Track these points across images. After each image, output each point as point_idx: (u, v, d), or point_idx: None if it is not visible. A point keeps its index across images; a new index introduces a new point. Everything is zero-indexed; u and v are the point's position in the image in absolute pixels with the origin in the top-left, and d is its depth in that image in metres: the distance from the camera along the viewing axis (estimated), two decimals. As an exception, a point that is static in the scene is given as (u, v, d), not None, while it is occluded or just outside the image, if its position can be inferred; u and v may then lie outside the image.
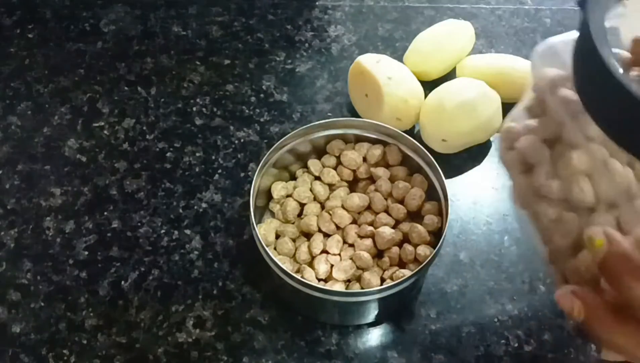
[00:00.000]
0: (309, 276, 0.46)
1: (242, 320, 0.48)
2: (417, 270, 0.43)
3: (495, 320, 0.48)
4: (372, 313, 0.47)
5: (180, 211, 0.54)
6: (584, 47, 0.25)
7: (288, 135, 0.49)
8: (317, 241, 0.47)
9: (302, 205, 0.49)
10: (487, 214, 0.54)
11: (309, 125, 0.49)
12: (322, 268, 0.46)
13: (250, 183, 0.55)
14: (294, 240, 0.48)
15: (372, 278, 0.45)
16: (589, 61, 0.25)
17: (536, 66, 0.30)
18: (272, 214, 0.50)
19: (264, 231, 0.47)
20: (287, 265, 0.46)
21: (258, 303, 0.49)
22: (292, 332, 0.47)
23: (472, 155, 0.57)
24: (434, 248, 0.45)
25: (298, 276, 0.43)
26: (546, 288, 0.50)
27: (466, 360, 0.46)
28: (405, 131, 0.57)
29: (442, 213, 0.47)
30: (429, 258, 0.43)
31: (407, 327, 0.48)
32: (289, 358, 0.46)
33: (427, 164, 0.49)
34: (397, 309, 0.48)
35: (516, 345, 0.47)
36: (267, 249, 0.43)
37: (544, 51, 0.29)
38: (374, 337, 0.47)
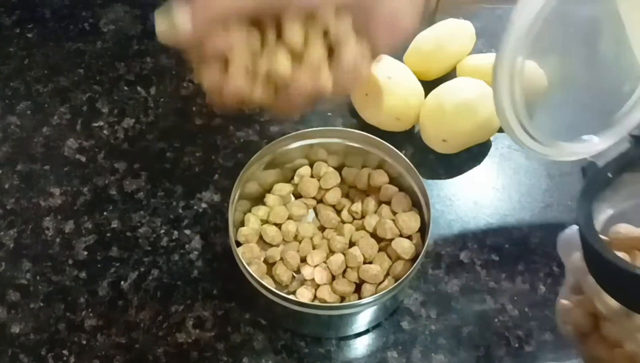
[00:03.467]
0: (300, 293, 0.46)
1: (242, 320, 0.48)
2: (411, 269, 0.43)
3: (496, 320, 0.48)
4: (363, 322, 0.47)
5: (180, 211, 0.54)
6: (586, 249, 0.35)
7: (260, 151, 0.48)
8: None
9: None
10: (487, 214, 0.54)
11: (279, 139, 0.49)
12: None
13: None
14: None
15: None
16: (590, 256, 0.35)
17: (563, 250, 0.38)
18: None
19: (244, 251, 0.47)
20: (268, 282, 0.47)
21: (258, 303, 0.48)
22: (292, 332, 0.47)
23: (472, 155, 0.57)
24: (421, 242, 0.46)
25: (276, 291, 0.43)
26: (546, 288, 0.50)
27: (466, 361, 0.46)
28: (405, 131, 0.57)
29: (422, 216, 0.48)
30: (422, 252, 0.44)
31: (407, 327, 0.48)
32: (289, 359, 0.46)
33: (406, 171, 0.49)
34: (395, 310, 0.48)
35: (517, 345, 0.47)
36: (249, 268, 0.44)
37: (567, 239, 0.38)
38: (374, 337, 0.47)
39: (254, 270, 0.46)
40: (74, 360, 0.46)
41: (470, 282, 0.50)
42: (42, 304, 0.49)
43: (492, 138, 0.57)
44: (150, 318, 0.48)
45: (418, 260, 0.44)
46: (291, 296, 0.44)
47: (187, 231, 0.52)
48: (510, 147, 0.58)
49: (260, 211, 0.50)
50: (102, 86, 0.62)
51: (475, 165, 0.57)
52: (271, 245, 0.49)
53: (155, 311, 0.48)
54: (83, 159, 0.57)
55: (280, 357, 0.46)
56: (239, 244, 0.48)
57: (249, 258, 0.47)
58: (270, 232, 0.49)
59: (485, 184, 0.56)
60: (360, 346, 0.47)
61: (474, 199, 0.54)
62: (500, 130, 0.56)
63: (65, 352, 0.46)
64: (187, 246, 0.52)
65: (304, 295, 0.45)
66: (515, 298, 0.49)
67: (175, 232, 0.52)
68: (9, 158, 0.57)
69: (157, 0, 0.70)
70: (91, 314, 0.48)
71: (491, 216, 0.54)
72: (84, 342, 0.47)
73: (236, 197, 0.47)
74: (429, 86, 0.57)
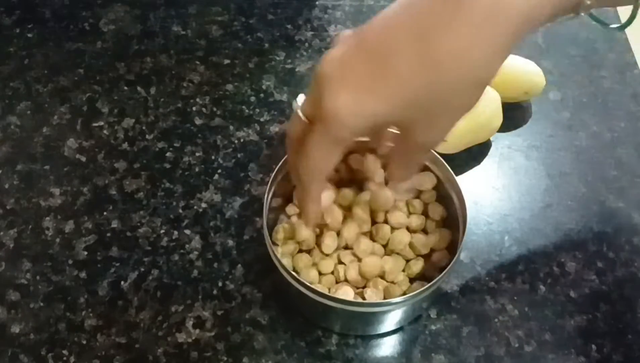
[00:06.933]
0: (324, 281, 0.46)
1: (242, 320, 0.48)
2: (441, 275, 0.42)
3: (496, 320, 0.48)
4: (388, 322, 0.47)
5: (180, 211, 0.54)
6: None
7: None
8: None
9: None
10: (488, 214, 0.54)
11: None
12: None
13: (250, 182, 0.55)
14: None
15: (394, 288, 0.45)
16: None
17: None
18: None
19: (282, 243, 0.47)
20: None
21: (258, 303, 0.48)
22: (292, 332, 0.47)
23: (472, 155, 0.57)
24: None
25: (307, 282, 0.42)
26: (546, 288, 0.49)
27: (466, 361, 0.46)
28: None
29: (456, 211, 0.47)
30: (451, 264, 0.43)
31: (407, 327, 0.48)
32: (289, 359, 0.46)
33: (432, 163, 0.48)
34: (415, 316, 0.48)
35: (516, 345, 0.47)
36: (276, 251, 0.43)
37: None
38: (374, 337, 0.47)
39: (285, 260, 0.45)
40: (74, 360, 0.46)
41: (470, 282, 0.50)
42: (42, 304, 0.49)
43: (492, 138, 0.57)
44: (150, 318, 0.48)
45: (448, 268, 0.43)
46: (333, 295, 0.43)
47: (187, 231, 0.52)
48: (510, 147, 0.58)
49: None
50: (102, 86, 0.62)
51: (475, 165, 0.57)
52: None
53: (155, 311, 0.48)
54: (83, 159, 0.57)
55: (280, 357, 0.46)
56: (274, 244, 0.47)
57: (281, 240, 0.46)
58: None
59: (485, 184, 0.56)
60: (360, 346, 0.47)
61: (474, 199, 0.54)
62: (500, 130, 0.56)
63: (65, 352, 0.46)
64: (187, 246, 0.52)
65: (347, 293, 0.45)
66: (515, 298, 0.49)
67: (175, 232, 0.52)
68: (9, 158, 0.57)
69: (156, 0, 0.71)
70: (91, 314, 0.48)
71: (491, 216, 0.54)
72: (84, 342, 0.47)
73: (270, 193, 0.46)
74: (429, 86, 0.57)
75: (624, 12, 0.40)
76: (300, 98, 0.40)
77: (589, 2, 0.34)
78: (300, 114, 0.37)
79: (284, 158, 0.46)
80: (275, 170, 0.46)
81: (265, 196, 0.45)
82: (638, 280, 0.50)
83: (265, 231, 0.44)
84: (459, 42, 0.32)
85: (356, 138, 0.36)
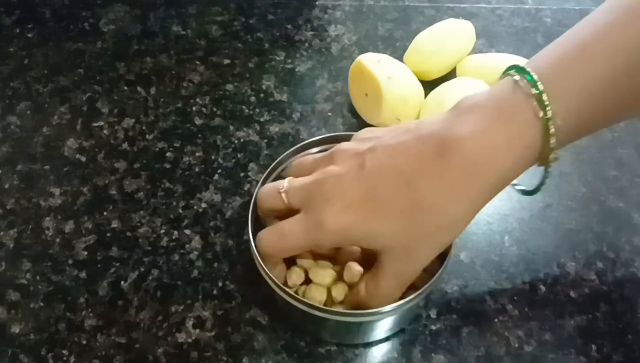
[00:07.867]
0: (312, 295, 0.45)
1: (242, 320, 0.48)
2: (432, 280, 0.42)
3: (496, 320, 0.48)
4: (383, 329, 0.46)
5: (180, 211, 0.54)
6: None
7: (280, 157, 0.49)
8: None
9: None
10: (488, 214, 0.54)
11: (298, 145, 0.49)
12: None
13: (250, 182, 0.55)
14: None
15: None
16: None
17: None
18: None
19: None
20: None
21: (258, 303, 0.48)
22: (292, 332, 0.47)
23: (473, 155, 0.57)
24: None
25: (297, 296, 0.42)
26: (547, 288, 0.50)
27: (466, 361, 0.46)
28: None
29: None
30: (440, 270, 0.43)
31: (407, 327, 0.48)
32: (289, 359, 0.46)
33: None
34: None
35: (516, 345, 0.47)
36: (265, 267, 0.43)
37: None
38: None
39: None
40: (74, 360, 0.46)
41: (470, 282, 0.50)
42: (42, 304, 0.49)
43: (492, 138, 0.57)
44: (150, 318, 0.48)
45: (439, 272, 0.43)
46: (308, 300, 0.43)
47: (187, 231, 0.52)
48: (510, 147, 0.58)
49: None
50: (102, 86, 0.62)
51: (475, 165, 0.57)
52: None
53: (155, 311, 0.48)
54: (83, 159, 0.57)
55: (280, 357, 0.46)
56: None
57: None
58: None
59: (485, 184, 0.55)
60: (360, 346, 0.47)
61: (474, 199, 0.54)
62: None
63: (65, 352, 0.46)
64: (187, 246, 0.52)
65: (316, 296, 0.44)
66: (515, 298, 0.49)
67: (175, 232, 0.52)
68: (9, 158, 0.57)
69: (156, 0, 0.71)
70: (91, 314, 0.48)
71: (491, 216, 0.54)
72: (84, 342, 0.47)
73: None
74: (429, 85, 0.57)
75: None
76: (292, 169, 0.45)
77: (553, 156, 0.39)
78: (284, 197, 0.42)
79: (277, 160, 0.48)
80: (265, 173, 0.47)
81: (252, 199, 0.46)
82: (638, 280, 0.50)
83: (251, 238, 0.44)
84: (441, 194, 0.37)
85: (332, 247, 0.42)
